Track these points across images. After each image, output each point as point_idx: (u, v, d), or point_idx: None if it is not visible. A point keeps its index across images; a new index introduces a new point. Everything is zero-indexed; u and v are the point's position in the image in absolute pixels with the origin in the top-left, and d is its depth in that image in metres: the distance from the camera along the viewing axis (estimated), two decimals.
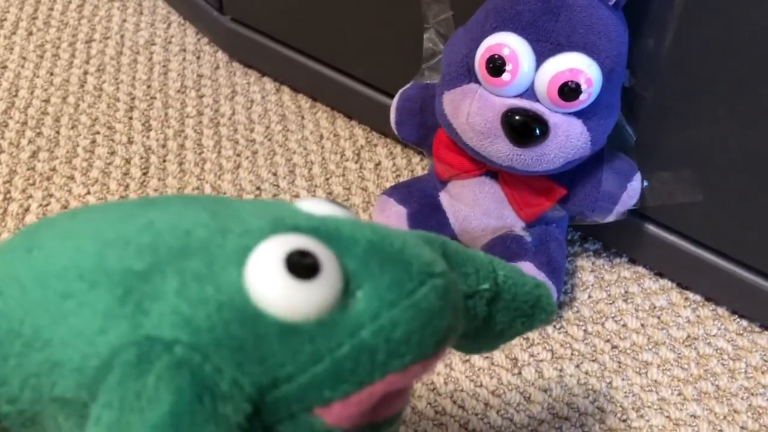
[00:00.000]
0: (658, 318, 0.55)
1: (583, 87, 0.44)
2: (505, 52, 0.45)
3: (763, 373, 0.53)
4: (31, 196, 0.60)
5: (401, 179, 0.64)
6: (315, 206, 0.27)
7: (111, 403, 0.22)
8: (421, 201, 0.54)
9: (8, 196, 0.60)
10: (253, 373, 0.23)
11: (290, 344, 0.23)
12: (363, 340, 0.23)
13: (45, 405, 0.25)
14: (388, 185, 0.63)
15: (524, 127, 0.45)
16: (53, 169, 0.62)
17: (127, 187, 0.62)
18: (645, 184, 0.53)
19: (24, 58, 0.72)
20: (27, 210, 0.59)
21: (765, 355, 0.54)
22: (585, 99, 0.45)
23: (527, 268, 0.51)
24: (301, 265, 0.23)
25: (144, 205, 0.27)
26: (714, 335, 0.55)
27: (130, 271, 0.24)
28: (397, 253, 0.25)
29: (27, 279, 0.25)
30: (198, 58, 0.74)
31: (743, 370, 0.53)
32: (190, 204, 0.27)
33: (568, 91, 0.44)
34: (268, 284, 0.23)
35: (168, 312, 0.23)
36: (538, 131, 0.45)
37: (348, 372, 0.23)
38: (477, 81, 0.47)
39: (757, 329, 0.55)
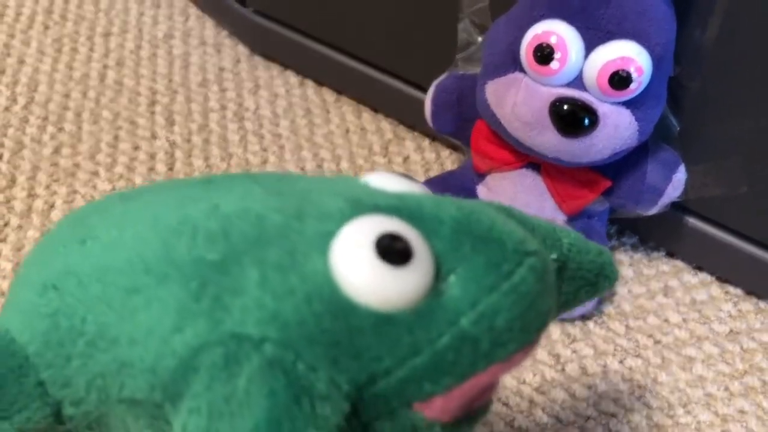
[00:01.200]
0: (700, 312, 0.54)
1: (634, 76, 0.43)
2: (552, 41, 0.43)
3: None
4: (55, 193, 0.59)
5: (430, 173, 0.63)
6: (385, 181, 0.25)
7: (199, 409, 0.20)
8: (458, 194, 0.52)
9: (33, 192, 0.58)
10: (350, 370, 0.21)
11: (386, 336, 0.21)
12: (463, 329, 0.22)
13: (112, 406, 0.24)
14: (417, 179, 0.62)
15: (573, 117, 0.44)
16: (77, 165, 0.61)
17: (152, 182, 0.60)
18: (686, 175, 0.52)
19: (42, 53, 0.71)
20: (52, 206, 0.58)
21: None
22: (635, 88, 0.44)
23: None
24: (394, 250, 0.21)
25: (203, 186, 0.25)
26: (757, 329, 0.54)
27: (202, 261, 0.22)
28: (487, 231, 0.23)
29: (85, 273, 0.24)
30: (218, 51, 0.73)
31: None
32: (254, 184, 0.25)
33: (619, 80, 0.43)
34: (360, 272, 0.21)
35: (252, 306, 0.21)
36: (587, 121, 0.44)
37: (449, 364, 0.22)
38: (522, 70, 0.46)
39: None
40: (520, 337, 0.23)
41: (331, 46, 0.67)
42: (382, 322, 0.21)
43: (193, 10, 0.77)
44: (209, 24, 0.76)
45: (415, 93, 0.63)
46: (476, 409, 0.25)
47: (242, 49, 0.73)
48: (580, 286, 0.29)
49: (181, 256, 0.23)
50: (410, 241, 0.22)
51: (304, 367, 0.21)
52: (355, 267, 0.21)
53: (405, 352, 0.22)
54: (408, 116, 0.65)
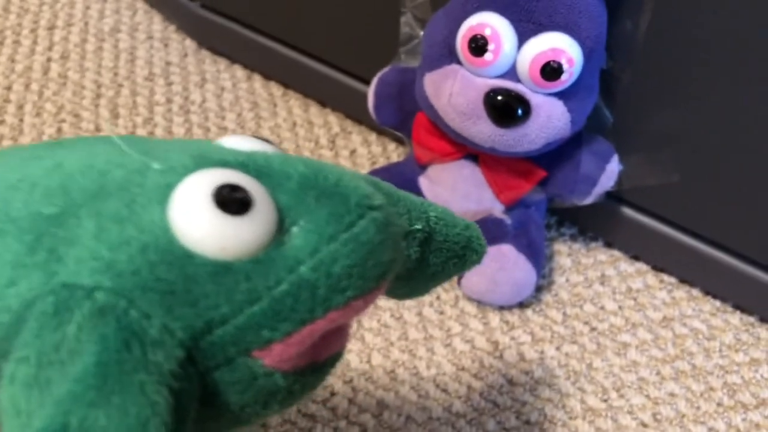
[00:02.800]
0: (635, 300, 0.56)
1: (565, 67, 0.44)
2: (487, 32, 0.44)
3: (736, 351, 0.54)
4: None
5: (377, 166, 0.63)
6: (240, 142, 0.26)
7: (27, 358, 0.20)
8: (400, 185, 0.53)
9: None
10: (185, 317, 0.21)
11: (224, 284, 0.22)
12: (302, 276, 0.22)
13: None
14: (363, 172, 0.62)
15: (506, 107, 0.45)
16: None
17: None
18: (621, 166, 0.53)
19: None
20: None
21: (738, 334, 0.55)
22: (566, 79, 0.45)
23: (507, 250, 0.51)
24: (232, 200, 0.22)
25: (49, 147, 0.25)
26: (689, 316, 0.55)
27: (39, 215, 0.22)
28: (333, 186, 0.24)
29: None
30: (165, 45, 0.73)
31: (718, 349, 0.54)
32: (102, 143, 0.25)
33: (550, 71, 0.44)
34: (196, 221, 0.21)
35: (86, 257, 0.21)
36: (520, 111, 0.45)
37: (288, 310, 0.22)
38: (458, 62, 0.47)
39: (730, 309, 0.56)
40: (359, 284, 0.23)
41: (278, 41, 0.67)
42: (220, 270, 0.22)
43: (141, 5, 0.77)
44: (157, 18, 0.76)
45: (362, 87, 0.63)
46: (324, 360, 0.25)
47: (190, 44, 0.73)
48: (448, 258, 0.30)
49: (17, 211, 0.22)
50: (251, 192, 0.22)
51: (136, 314, 0.21)
52: (191, 216, 0.22)
53: (243, 300, 0.22)
54: (355, 110, 0.66)
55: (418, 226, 0.28)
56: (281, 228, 0.23)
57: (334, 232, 0.23)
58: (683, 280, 0.58)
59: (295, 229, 0.23)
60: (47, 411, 0.19)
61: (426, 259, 0.29)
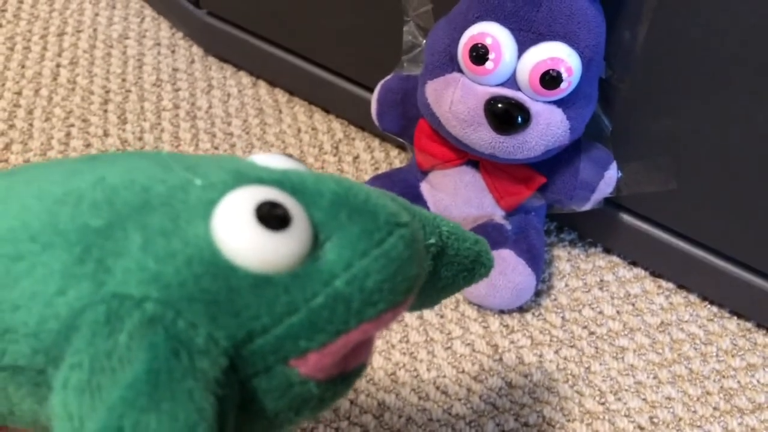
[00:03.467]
0: (633, 305, 0.57)
1: (564, 75, 0.45)
2: (487, 41, 0.45)
3: (732, 356, 0.54)
4: None
5: (379, 172, 0.64)
6: (271, 160, 0.27)
7: (80, 364, 0.21)
8: (402, 191, 0.55)
9: None
10: (228, 327, 0.22)
11: (264, 296, 0.23)
12: (337, 289, 0.24)
13: None
14: (366, 178, 0.63)
15: (506, 115, 0.46)
16: (27, 161, 0.61)
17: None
18: (620, 173, 0.54)
19: None
20: None
21: (734, 339, 0.55)
22: (565, 87, 0.46)
23: (507, 255, 0.52)
24: (272, 216, 0.23)
25: (89, 162, 0.26)
26: (686, 321, 0.56)
27: (87, 228, 0.23)
28: (363, 203, 0.25)
29: None
30: (173, 52, 0.74)
31: (714, 354, 0.54)
32: (140, 159, 0.26)
33: (550, 79, 0.45)
34: (240, 236, 0.23)
35: (134, 268, 0.22)
36: (520, 119, 0.46)
37: (324, 321, 0.23)
38: (460, 70, 0.48)
39: (727, 315, 0.57)
40: (389, 297, 0.25)
41: (284, 48, 0.68)
42: (261, 283, 0.23)
43: (149, 12, 0.78)
44: (164, 25, 0.77)
45: (365, 94, 0.64)
46: (351, 370, 0.27)
47: (196, 50, 0.74)
48: (458, 271, 0.32)
49: (65, 224, 0.23)
50: (289, 209, 0.23)
51: (183, 324, 0.22)
52: (235, 231, 0.23)
53: (282, 311, 0.23)
54: (358, 117, 0.67)
55: (432, 241, 0.30)
56: (316, 243, 0.24)
57: (366, 247, 0.24)
58: (681, 286, 0.58)
59: (328, 245, 0.24)
60: (100, 416, 0.20)
61: (438, 272, 0.31)
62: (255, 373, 0.23)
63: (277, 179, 0.25)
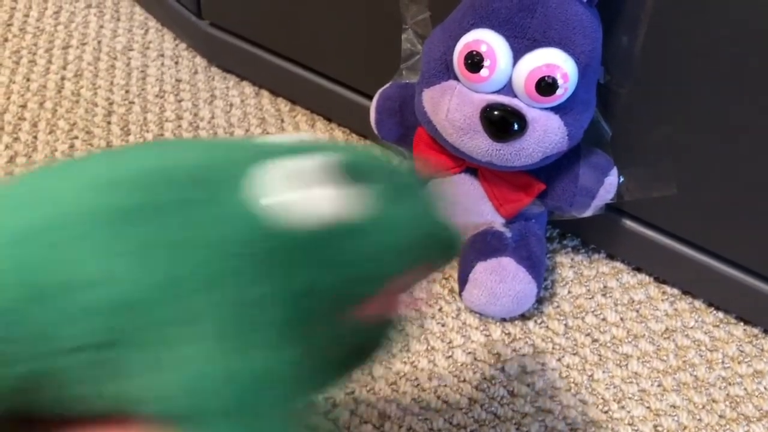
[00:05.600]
0: (637, 312, 0.56)
1: (560, 82, 0.45)
2: (482, 49, 0.45)
3: (739, 363, 0.54)
4: None
5: None
6: (291, 138, 0.29)
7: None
8: None
9: None
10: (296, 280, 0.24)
11: (324, 251, 0.25)
12: (389, 240, 0.26)
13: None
14: None
15: (503, 122, 0.46)
16: None
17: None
18: (621, 179, 0.53)
19: (0, 65, 0.72)
20: None
21: (741, 345, 0.55)
22: (562, 94, 0.45)
23: (507, 263, 0.51)
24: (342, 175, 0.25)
25: (114, 154, 0.27)
26: (691, 327, 0.56)
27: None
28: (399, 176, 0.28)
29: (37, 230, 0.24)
30: (176, 63, 0.74)
31: (720, 361, 0.54)
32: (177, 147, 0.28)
33: (545, 86, 0.45)
34: (270, 188, 0.24)
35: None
36: (516, 126, 0.46)
37: (382, 267, 0.26)
38: (456, 78, 0.47)
39: (733, 320, 0.56)
40: (424, 254, 0.28)
41: (285, 58, 0.68)
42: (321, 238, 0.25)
43: (153, 23, 0.79)
44: (168, 36, 0.77)
45: (366, 102, 0.64)
46: (388, 320, 0.29)
47: (200, 61, 0.75)
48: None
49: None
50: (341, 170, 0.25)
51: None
52: (265, 185, 0.24)
53: (344, 263, 0.25)
54: (360, 125, 0.67)
55: None
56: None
57: (408, 210, 0.27)
58: (686, 292, 0.58)
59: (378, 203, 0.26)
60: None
61: None
62: (317, 318, 0.25)
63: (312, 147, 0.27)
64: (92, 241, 0.23)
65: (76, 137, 0.66)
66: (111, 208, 0.24)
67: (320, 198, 0.24)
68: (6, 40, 0.75)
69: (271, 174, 0.24)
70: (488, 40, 0.45)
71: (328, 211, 0.24)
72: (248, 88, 0.72)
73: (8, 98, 0.68)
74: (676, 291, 0.58)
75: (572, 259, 0.59)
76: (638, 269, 0.59)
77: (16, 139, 0.65)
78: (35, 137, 0.65)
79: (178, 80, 0.72)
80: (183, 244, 0.23)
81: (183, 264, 0.23)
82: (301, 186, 0.24)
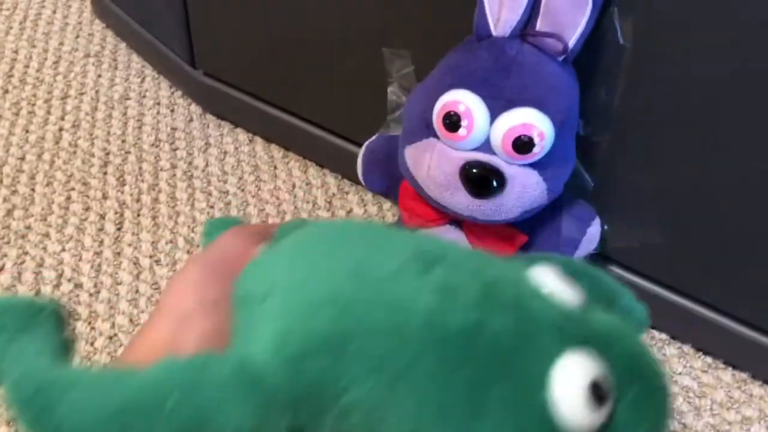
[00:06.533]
0: None
1: (536, 140, 0.46)
2: (460, 109, 0.46)
3: (727, 409, 0.54)
4: (6, 255, 0.61)
5: None
6: (552, 282, 0.28)
7: None
8: None
9: None
10: None
11: None
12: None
13: None
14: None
15: (481, 180, 0.47)
16: (28, 227, 0.63)
17: (101, 243, 0.63)
18: (605, 227, 0.54)
19: (0, 117, 0.73)
20: (2, 269, 0.60)
21: (729, 391, 0.55)
22: (538, 152, 0.46)
23: None
24: (599, 396, 0.24)
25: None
26: (680, 373, 0.56)
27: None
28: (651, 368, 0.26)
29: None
30: (172, 111, 0.76)
31: (708, 408, 0.54)
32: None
33: (522, 144, 0.46)
34: (575, 413, 0.24)
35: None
36: (495, 183, 0.46)
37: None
38: (436, 136, 0.48)
39: (722, 366, 0.56)
40: None
41: (278, 107, 0.70)
42: None
43: (150, 71, 0.80)
44: (164, 84, 0.79)
45: (358, 150, 0.65)
46: None
47: (195, 108, 0.76)
48: None
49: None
50: (608, 385, 0.25)
51: None
52: (572, 408, 0.24)
53: None
54: (352, 171, 0.68)
55: None
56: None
57: (650, 414, 0.26)
58: (674, 337, 0.58)
59: (619, 407, 0.25)
60: None
61: None
62: None
63: (593, 337, 0.26)
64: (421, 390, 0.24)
65: (73, 189, 0.67)
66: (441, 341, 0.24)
67: (598, 417, 0.24)
68: (6, 91, 0.77)
69: (576, 386, 0.24)
70: (466, 101, 0.46)
71: (595, 428, 0.24)
72: (242, 135, 0.73)
73: (7, 150, 0.70)
74: (664, 336, 0.58)
75: None
76: None
77: (14, 192, 0.66)
78: (33, 189, 0.67)
79: (174, 128, 0.74)
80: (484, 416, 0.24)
81: None
82: (593, 405, 0.24)
